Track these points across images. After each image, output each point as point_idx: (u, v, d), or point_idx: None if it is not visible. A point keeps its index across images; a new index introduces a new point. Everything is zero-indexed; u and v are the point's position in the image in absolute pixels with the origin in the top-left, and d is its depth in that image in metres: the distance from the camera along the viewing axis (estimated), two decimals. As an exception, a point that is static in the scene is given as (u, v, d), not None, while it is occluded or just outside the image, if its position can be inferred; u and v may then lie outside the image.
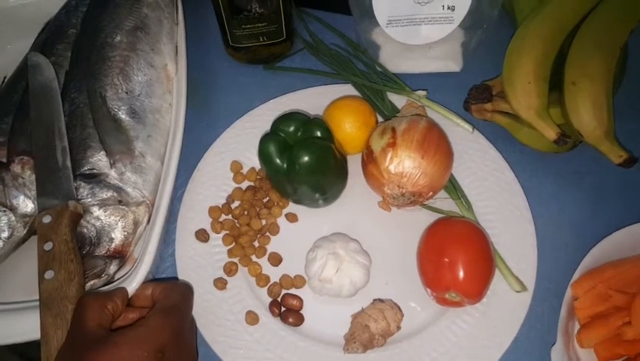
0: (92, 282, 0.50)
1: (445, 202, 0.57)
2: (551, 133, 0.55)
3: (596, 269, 0.51)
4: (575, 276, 0.51)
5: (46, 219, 0.48)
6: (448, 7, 0.61)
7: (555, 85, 0.57)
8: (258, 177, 0.60)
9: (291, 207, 0.59)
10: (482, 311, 0.52)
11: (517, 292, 0.52)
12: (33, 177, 0.53)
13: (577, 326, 0.51)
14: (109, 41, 0.58)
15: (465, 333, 0.51)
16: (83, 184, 0.52)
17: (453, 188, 0.57)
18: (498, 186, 0.58)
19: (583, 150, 0.58)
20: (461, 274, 0.48)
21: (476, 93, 0.61)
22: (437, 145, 0.52)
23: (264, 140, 0.53)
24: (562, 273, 0.54)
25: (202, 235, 0.56)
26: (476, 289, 0.49)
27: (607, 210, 0.59)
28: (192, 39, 0.66)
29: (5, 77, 0.62)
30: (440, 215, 0.56)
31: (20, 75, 0.60)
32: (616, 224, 0.55)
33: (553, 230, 0.57)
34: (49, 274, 0.45)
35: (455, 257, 0.48)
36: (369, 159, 0.54)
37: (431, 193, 0.53)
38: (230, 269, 0.54)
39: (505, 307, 0.52)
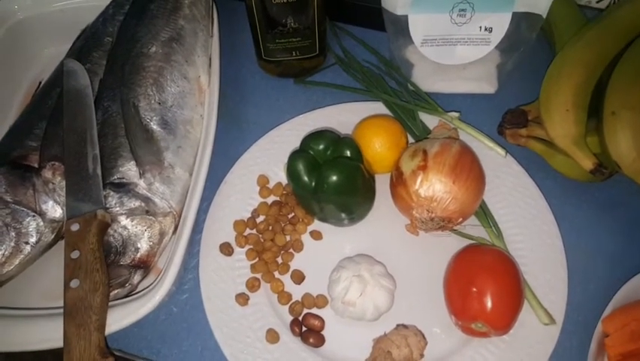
0: (115, 291, 0.50)
1: (474, 228, 0.55)
2: (588, 163, 0.53)
3: (628, 305, 0.50)
4: (607, 311, 0.50)
5: (75, 227, 0.48)
6: (486, 29, 0.60)
7: (593, 113, 0.56)
8: (284, 192, 0.60)
9: (316, 225, 0.58)
10: (508, 343, 0.50)
11: (546, 324, 0.50)
12: (63, 183, 0.53)
13: (607, 364, 0.49)
14: (144, 52, 0.59)
15: (490, 365, 0.49)
16: (111, 193, 0.52)
17: (483, 214, 0.56)
18: (530, 214, 0.56)
19: (619, 179, 0.56)
20: (489, 305, 0.46)
21: (511, 118, 0.60)
22: (469, 170, 0.51)
23: (293, 157, 0.52)
24: (593, 306, 0.52)
25: (226, 249, 0.55)
26: (504, 321, 0.47)
27: (642, 244, 0.57)
28: (225, 51, 0.66)
29: (41, 82, 0.63)
30: (469, 241, 0.55)
31: (56, 81, 0.61)
32: (652, 259, 0.53)
33: (586, 261, 0.56)
34: (74, 283, 0.45)
35: (484, 287, 0.47)
36: (398, 181, 0.53)
37: (461, 219, 0.52)
38: (252, 285, 0.53)
39: (533, 339, 0.50)
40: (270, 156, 0.62)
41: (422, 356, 0.49)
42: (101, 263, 0.47)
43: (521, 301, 0.49)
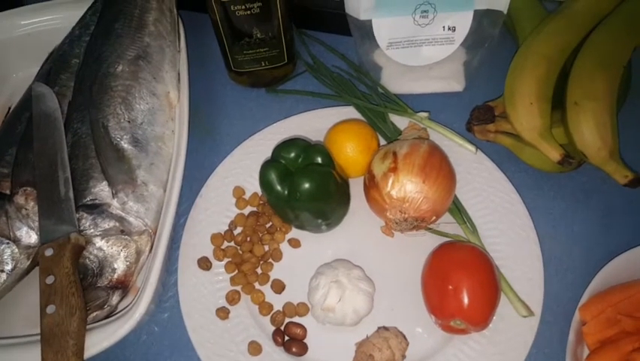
0: (94, 313, 0.50)
1: (449, 225, 0.56)
2: (555, 154, 0.54)
3: (604, 293, 0.50)
4: (583, 299, 0.50)
5: (49, 252, 0.48)
6: (449, 28, 0.61)
7: (558, 104, 0.57)
8: (261, 202, 0.60)
9: (294, 233, 0.58)
10: (489, 337, 0.51)
11: (524, 316, 0.51)
12: (37, 208, 0.53)
13: (586, 351, 0.50)
14: (111, 71, 0.59)
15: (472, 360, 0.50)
16: (85, 215, 0.52)
17: (457, 211, 0.56)
18: (503, 208, 0.57)
19: (589, 168, 0.57)
20: (466, 301, 0.47)
21: (479, 114, 0.61)
22: (439, 169, 0.52)
23: (265, 167, 0.53)
24: (570, 295, 0.53)
25: (204, 263, 0.55)
26: (481, 317, 0.48)
27: (615, 230, 0.58)
28: (194, 65, 0.67)
29: (10, 108, 0.63)
30: (445, 239, 0.55)
31: (25, 106, 0.61)
32: (624, 244, 0.54)
33: (560, 251, 0.57)
34: (50, 309, 0.45)
35: (460, 284, 0.47)
36: (371, 184, 0.54)
37: (434, 218, 0.53)
38: (232, 298, 0.53)
39: (513, 332, 0.51)
40: (244, 166, 0.62)
41: (404, 357, 0.49)
42: (76, 287, 0.47)
43: (498, 295, 0.49)
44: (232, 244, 0.58)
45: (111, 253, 0.52)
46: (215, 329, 0.52)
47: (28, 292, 0.54)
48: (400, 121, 0.63)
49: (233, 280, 0.55)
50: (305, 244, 0.58)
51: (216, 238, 0.57)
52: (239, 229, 0.59)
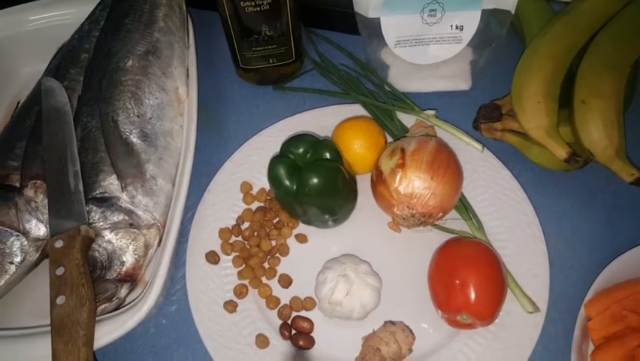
0: (103, 306, 0.50)
1: (455, 222, 0.56)
2: (562, 152, 0.54)
3: (609, 289, 0.51)
4: (589, 296, 0.51)
5: (58, 243, 0.49)
6: (457, 27, 0.61)
7: (565, 103, 0.57)
8: (268, 197, 0.60)
9: (301, 228, 0.59)
10: (494, 333, 0.51)
11: (530, 313, 0.51)
12: (46, 201, 0.53)
13: (591, 347, 0.50)
14: (121, 66, 0.59)
15: (477, 355, 0.50)
16: (94, 208, 0.53)
17: (464, 208, 0.56)
18: (509, 206, 0.57)
19: (595, 167, 0.58)
20: (473, 296, 0.47)
21: (485, 112, 0.61)
22: (447, 165, 0.52)
23: (274, 162, 0.53)
24: (575, 293, 0.53)
25: (212, 257, 0.56)
26: (488, 312, 0.48)
27: (620, 228, 0.58)
28: (203, 61, 0.67)
29: (19, 102, 0.64)
30: (451, 235, 0.56)
31: (34, 100, 0.61)
32: (629, 242, 0.54)
33: (566, 249, 0.57)
34: (60, 300, 0.45)
35: (466, 279, 0.48)
36: (378, 180, 0.54)
37: (441, 214, 0.53)
38: (240, 292, 0.54)
39: (518, 328, 0.51)
40: (252, 162, 0.62)
41: (411, 351, 0.50)
42: (86, 278, 0.47)
43: (504, 290, 0.50)
44: (239, 238, 0.58)
45: (120, 245, 0.52)
46: (223, 322, 0.52)
47: (34, 285, 0.54)
48: (407, 119, 0.63)
49: (240, 274, 0.55)
50: (312, 239, 0.58)
51: (224, 233, 0.57)
52: (246, 224, 0.59)
